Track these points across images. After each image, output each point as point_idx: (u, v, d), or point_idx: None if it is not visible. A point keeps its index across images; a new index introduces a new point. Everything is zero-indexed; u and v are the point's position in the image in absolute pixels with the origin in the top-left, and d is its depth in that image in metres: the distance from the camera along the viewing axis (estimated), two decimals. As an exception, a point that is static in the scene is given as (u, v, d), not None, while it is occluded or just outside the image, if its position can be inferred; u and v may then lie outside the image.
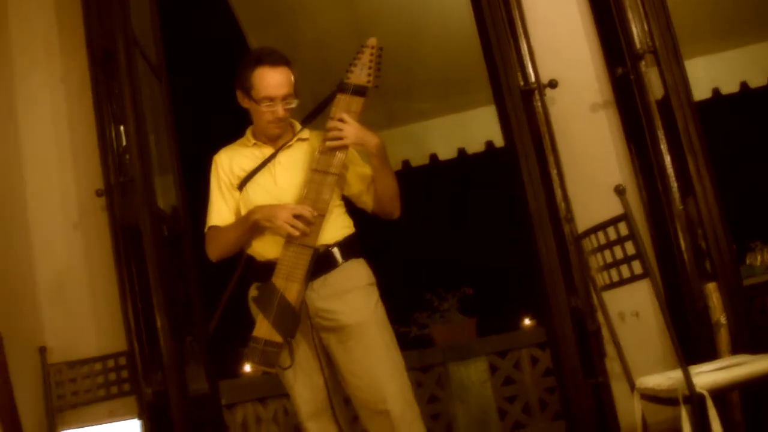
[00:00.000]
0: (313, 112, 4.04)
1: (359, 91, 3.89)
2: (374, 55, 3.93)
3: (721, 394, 3.42)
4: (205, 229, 4.04)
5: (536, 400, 7.84)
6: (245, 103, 3.98)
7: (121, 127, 4.92)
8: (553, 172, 4.51)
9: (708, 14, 7.46)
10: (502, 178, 4.72)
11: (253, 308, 3.87)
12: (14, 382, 4.46)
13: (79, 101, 5.25)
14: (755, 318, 7.96)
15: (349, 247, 3.94)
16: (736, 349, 4.13)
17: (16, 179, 5.19)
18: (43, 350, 4.91)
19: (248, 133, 4.09)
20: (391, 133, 8.61)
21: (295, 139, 4.01)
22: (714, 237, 4.33)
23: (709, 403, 3.29)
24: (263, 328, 3.76)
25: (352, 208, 4.12)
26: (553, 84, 4.61)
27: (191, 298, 5.33)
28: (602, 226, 3.65)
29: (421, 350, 7.81)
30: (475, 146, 8.59)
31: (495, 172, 5.00)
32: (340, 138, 3.80)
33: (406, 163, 8.61)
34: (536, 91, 4.59)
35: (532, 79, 4.61)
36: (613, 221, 3.56)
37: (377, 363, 3.81)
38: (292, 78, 3.91)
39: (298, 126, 4.08)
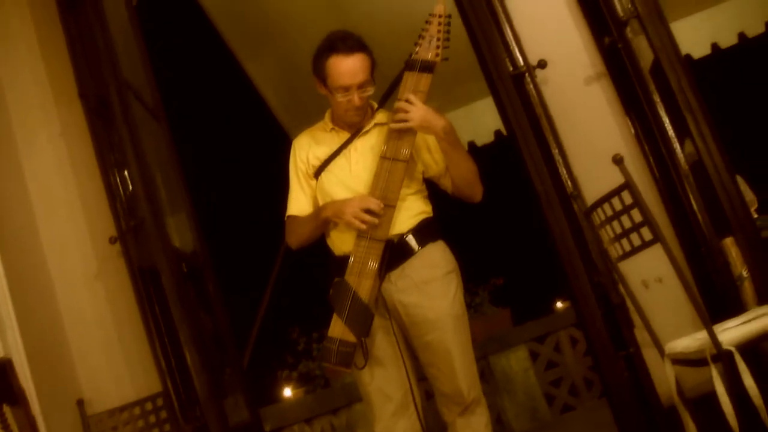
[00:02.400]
0: (386, 94, 4.02)
1: (427, 67, 3.76)
2: (442, 24, 3.79)
3: (750, 347, 3.39)
4: (285, 218, 4.00)
5: (581, 380, 7.83)
6: (322, 90, 3.89)
7: (126, 172, 4.95)
8: (555, 151, 4.49)
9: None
10: (512, 165, 4.70)
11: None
12: (57, 438, 4.50)
13: (81, 152, 5.28)
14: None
15: (426, 232, 3.86)
16: (762, 300, 4.10)
17: (32, 239, 5.22)
18: (81, 403, 4.93)
19: (327, 116, 4.02)
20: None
21: (373, 123, 3.93)
22: (724, 191, 4.29)
23: (738, 359, 3.27)
24: (337, 328, 3.71)
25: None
26: (542, 64, 4.59)
27: (220, 331, 5.35)
28: (607, 198, 3.65)
29: (460, 348, 7.81)
30: (484, 137, 8.56)
31: (505, 161, 4.98)
32: (406, 120, 3.70)
33: (418, 164, 8.59)
34: (526, 74, 4.57)
35: (521, 62, 4.59)
36: (617, 191, 3.56)
37: (453, 358, 3.77)
38: (369, 63, 3.79)
39: (376, 107, 3.99)
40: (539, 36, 4.75)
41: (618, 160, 3.48)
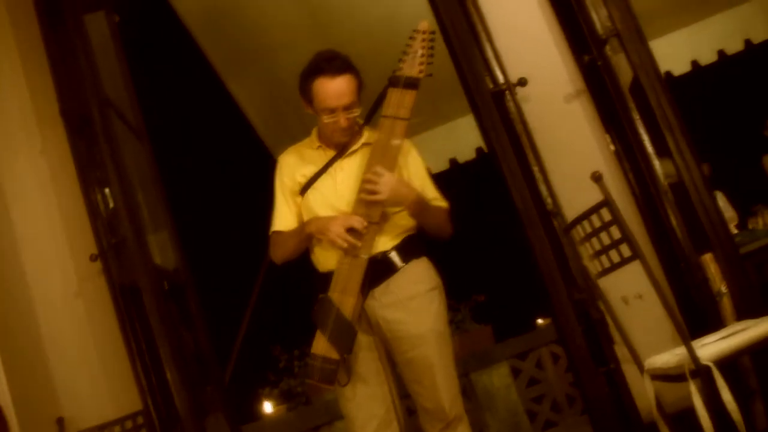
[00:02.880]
0: (371, 111, 3.95)
1: (411, 83, 3.77)
2: (426, 41, 3.81)
3: (727, 363, 3.40)
4: (269, 233, 4.00)
5: (563, 397, 7.84)
6: (308, 110, 3.89)
7: (107, 190, 4.95)
8: (535, 168, 4.51)
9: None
10: (494, 181, 4.72)
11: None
12: (36, 457, 4.49)
13: (62, 170, 5.28)
14: (767, 282, 7.96)
15: (409, 249, 3.87)
16: (741, 315, 4.12)
17: (12, 257, 5.21)
18: (60, 421, 4.91)
19: (314, 134, 4.02)
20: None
21: (360, 144, 3.93)
22: (703, 208, 4.31)
23: (716, 374, 3.28)
24: (320, 345, 3.71)
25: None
26: (522, 82, 4.61)
27: (202, 348, 5.35)
28: (586, 215, 3.66)
29: (442, 364, 7.80)
30: (466, 154, 8.60)
31: (486, 177, 5.00)
32: (375, 192, 3.70)
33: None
34: (507, 91, 4.59)
35: (501, 80, 4.61)
36: (596, 208, 3.57)
37: (436, 374, 3.76)
38: (355, 84, 3.79)
39: (366, 130, 3.98)
40: (519, 53, 4.77)
41: (597, 177, 3.50)
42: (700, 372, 3.30)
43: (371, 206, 3.72)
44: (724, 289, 4.21)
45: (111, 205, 4.94)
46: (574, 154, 4.68)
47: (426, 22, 3.86)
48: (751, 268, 5.76)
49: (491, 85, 4.63)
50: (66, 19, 5.11)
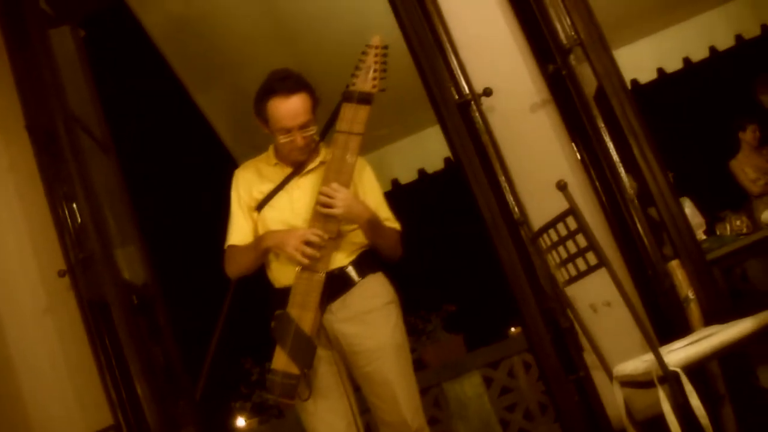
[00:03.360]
0: (325, 128, 3.93)
1: (364, 98, 3.79)
2: (379, 56, 3.83)
3: (695, 368, 3.42)
4: (225, 246, 3.97)
5: (536, 405, 7.84)
6: (265, 130, 3.90)
7: (74, 205, 4.93)
8: (502, 178, 4.54)
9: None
10: (462, 192, 4.74)
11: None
12: (6, 476, 4.46)
13: (28, 185, 5.25)
14: (736, 285, 8.02)
15: (365, 264, 3.90)
16: (708, 321, 4.15)
17: (-21, 275, 5.19)
18: (31, 438, 4.91)
19: (271, 150, 4.02)
20: (352, 164, 8.62)
21: (318, 162, 3.93)
22: (669, 215, 4.35)
23: (684, 380, 3.30)
24: (280, 360, 3.71)
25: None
26: (487, 92, 4.63)
27: (172, 363, 5.33)
28: (552, 224, 3.68)
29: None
30: (434, 165, 8.62)
31: (455, 187, 5.02)
32: (330, 207, 3.72)
33: (368, 193, 8.60)
34: (472, 102, 4.61)
35: (467, 90, 4.63)
36: (561, 217, 3.59)
37: (396, 387, 3.77)
38: (310, 102, 3.81)
39: (323, 148, 3.98)
40: (484, 64, 4.79)
41: (561, 186, 3.51)
42: (669, 378, 3.32)
43: (328, 221, 3.73)
44: (691, 295, 4.24)
45: (78, 220, 4.91)
46: (540, 163, 4.71)
47: (378, 37, 3.88)
48: (718, 273, 5.80)
49: (456, 96, 4.65)
50: (31, 34, 5.09)
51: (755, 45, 8.31)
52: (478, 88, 4.65)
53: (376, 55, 3.83)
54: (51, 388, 5.07)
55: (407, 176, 8.67)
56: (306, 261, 3.68)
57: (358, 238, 3.90)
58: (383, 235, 3.92)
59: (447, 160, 8.40)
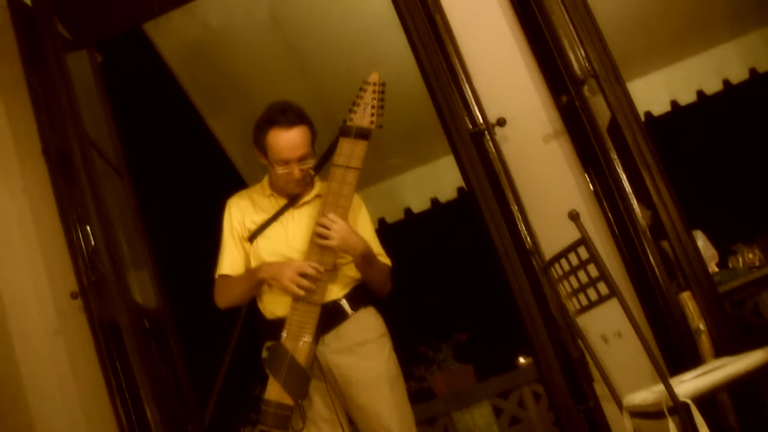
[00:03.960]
0: (321, 161, 4.01)
1: (362, 134, 3.84)
2: (377, 92, 3.88)
3: (705, 400, 3.43)
4: (216, 276, 4.00)
5: (545, 436, 7.82)
6: (262, 160, 3.95)
7: (88, 227, 4.94)
8: (514, 207, 4.53)
9: (660, 27, 7.56)
10: (474, 221, 4.75)
11: (266, 369, 3.82)
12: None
13: (43, 207, 5.25)
14: (747, 319, 8.00)
15: (359, 297, 3.93)
16: (719, 352, 4.14)
17: (-8, 295, 5.20)
18: (39, 460, 4.90)
19: (265, 181, 4.07)
20: (365, 193, 8.63)
21: (313, 195, 3.98)
22: (681, 247, 4.35)
23: (694, 411, 3.29)
24: (274, 391, 3.73)
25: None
26: (501, 122, 4.65)
27: (182, 387, 5.32)
28: (564, 253, 3.69)
29: (423, 403, 7.80)
30: (447, 194, 8.63)
31: (468, 216, 5.03)
32: (327, 237, 3.75)
33: (381, 221, 8.62)
34: (486, 132, 4.62)
35: (480, 120, 4.64)
36: (573, 246, 3.60)
37: (391, 419, 3.78)
38: (309, 136, 3.86)
39: (317, 181, 4.04)
40: (498, 94, 4.80)
41: (573, 216, 3.52)
42: (679, 409, 3.31)
43: (324, 253, 3.76)
44: (702, 326, 4.23)
45: (92, 242, 4.92)
46: (552, 193, 4.71)
47: (377, 74, 3.92)
48: (729, 306, 5.79)
49: (470, 126, 4.65)
50: (48, 57, 5.12)
51: (769, 77, 8.33)
52: (492, 118, 4.65)
53: (374, 91, 3.88)
54: (60, 410, 5.07)
55: (420, 205, 8.70)
56: (302, 293, 3.71)
57: (352, 272, 3.93)
58: (375, 269, 3.95)
59: (460, 190, 8.42)
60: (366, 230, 4.03)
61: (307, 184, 3.99)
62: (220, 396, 4.41)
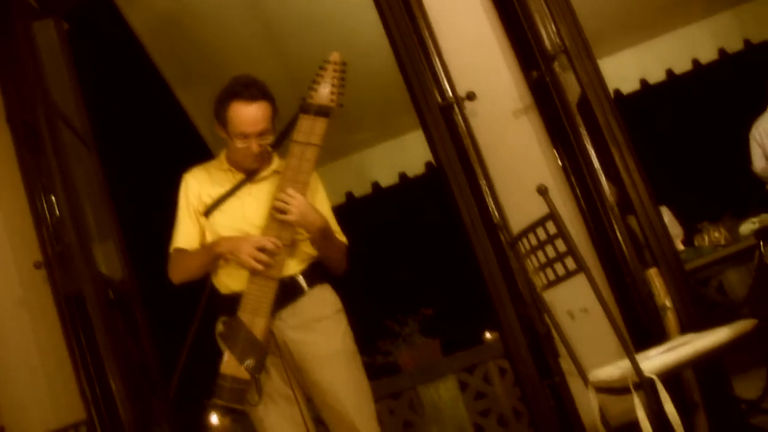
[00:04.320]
0: (280, 137, 3.98)
1: (322, 112, 3.83)
2: (338, 71, 3.88)
3: (670, 376, 3.43)
4: (170, 250, 3.97)
5: (510, 411, 7.83)
6: (221, 133, 3.91)
7: (53, 197, 4.90)
8: (482, 182, 4.53)
9: (631, 5, 7.58)
10: (442, 196, 4.74)
11: (221, 343, 3.82)
12: (-25, 468, 4.42)
13: (7, 176, 5.21)
14: (711, 297, 8.06)
15: (315, 273, 3.92)
16: (685, 329, 4.16)
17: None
18: (2, 430, 4.86)
19: (223, 156, 4.03)
20: (333, 166, 8.65)
21: (271, 171, 3.96)
22: (649, 224, 4.36)
23: (660, 387, 3.30)
24: (230, 365, 3.72)
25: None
26: (470, 96, 4.64)
27: (147, 360, 5.30)
28: (532, 228, 3.68)
29: (389, 377, 7.81)
30: (415, 169, 8.63)
31: (436, 192, 5.03)
32: (286, 212, 3.74)
33: (349, 195, 8.62)
34: (455, 106, 4.61)
35: (450, 94, 4.63)
36: (541, 221, 3.58)
37: (348, 394, 3.79)
38: (270, 111, 3.83)
39: (274, 155, 4.02)
40: (468, 68, 4.79)
41: (542, 190, 3.51)
42: (644, 384, 3.32)
43: (282, 228, 3.75)
44: (668, 303, 4.25)
45: (57, 213, 4.88)
46: (521, 168, 4.71)
47: (338, 54, 3.92)
48: (695, 284, 5.82)
49: (440, 100, 4.64)
50: (14, 26, 5.06)
51: (738, 59, 8.35)
52: (462, 92, 4.65)
53: (335, 70, 3.89)
54: (23, 381, 5.04)
55: (388, 180, 8.70)
56: (260, 267, 3.69)
57: (309, 248, 3.92)
58: (333, 247, 3.95)
59: (428, 165, 8.43)
60: (323, 207, 4.01)
61: (264, 159, 3.96)
62: (185, 369, 4.38)
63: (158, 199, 4.20)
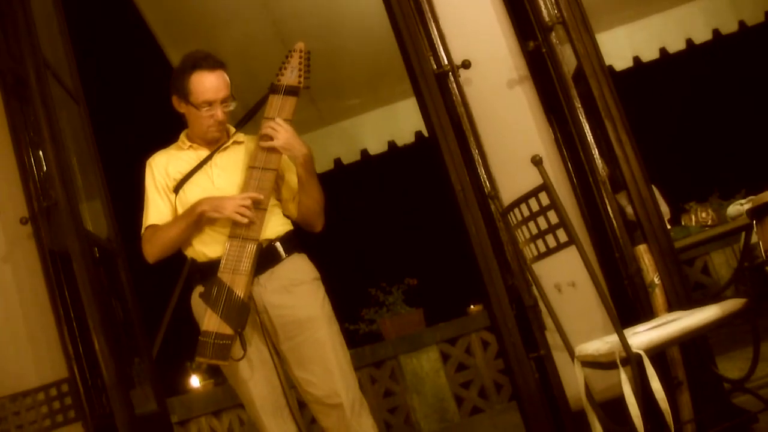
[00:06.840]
0: (247, 115, 4.13)
1: (291, 91, 3.95)
2: (303, 58, 3.98)
3: (657, 352, 3.45)
4: (142, 230, 4.02)
5: (491, 383, 7.89)
6: (182, 108, 4.00)
7: (40, 152, 4.85)
8: (475, 151, 4.51)
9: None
10: (431, 165, 4.72)
11: (198, 309, 3.88)
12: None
13: (-5, 131, 5.14)
14: (696, 278, 8.08)
15: (291, 242, 3.98)
16: (672, 306, 4.16)
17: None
18: (-19, 387, 4.83)
19: (183, 136, 4.11)
20: (322, 132, 8.64)
21: (231, 141, 4.04)
22: (640, 199, 4.34)
23: (646, 362, 3.31)
24: (213, 322, 3.75)
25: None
26: (466, 64, 4.60)
27: (131, 319, 5.27)
28: (524, 198, 3.67)
29: (371, 345, 7.83)
30: (405, 137, 8.61)
31: (425, 161, 5.01)
32: (272, 139, 3.84)
33: (337, 162, 8.61)
34: (450, 73, 4.58)
35: (445, 61, 4.60)
36: (534, 192, 3.58)
37: (328, 357, 3.83)
38: (229, 80, 3.95)
39: (232, 129, 4.11)
40: (464, 36, 4.75)
41: (537, 161, 3.50)
42: (631, 360, 3.32)
43: (262, 179, 3.85)
44: (656, 280, 4.24)
45: (44, 168, 4.83)
46: (514, 139, 4.68)
47: (302, 43, 4.03)
48: (681, 264, 5.81)
49: (434, 66, 4.61)
50: (5, -24, 5.00)
51: (732, 40, 8.34)
52: (457, 60, 4.61)
53: (300, 57, 4.00)
54: (5, 337, 4.99)
55: (377, 147, 8.68)
56: (245, 221, 3.76)
57: (284, 219, 4.03)
58: (316, 185, 4.02)
59: (418, 134, 8.41)
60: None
61: (224, 131, 4.06)
62: (169, 329, 4.37)
63: (146, 158, 4.18)
